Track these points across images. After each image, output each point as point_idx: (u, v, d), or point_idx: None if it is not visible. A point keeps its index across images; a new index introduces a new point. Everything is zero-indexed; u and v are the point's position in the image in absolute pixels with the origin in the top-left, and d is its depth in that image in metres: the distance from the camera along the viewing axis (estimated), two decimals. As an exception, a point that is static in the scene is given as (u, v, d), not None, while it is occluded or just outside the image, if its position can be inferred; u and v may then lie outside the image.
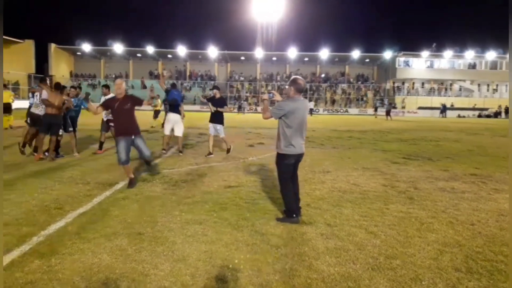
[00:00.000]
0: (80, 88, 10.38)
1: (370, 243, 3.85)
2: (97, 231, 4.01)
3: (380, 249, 3.71)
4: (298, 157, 4.55)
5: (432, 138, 15.72)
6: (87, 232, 3.97)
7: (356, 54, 55.80)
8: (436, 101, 51.01)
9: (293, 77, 4.58)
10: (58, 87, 8.75)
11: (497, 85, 57.30)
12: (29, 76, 49.25)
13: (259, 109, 52.39)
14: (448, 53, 54.09)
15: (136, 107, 6.08)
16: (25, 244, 3.60)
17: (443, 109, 44.63)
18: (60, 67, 56.01)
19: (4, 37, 44.29)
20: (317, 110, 49.05)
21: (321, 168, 8.01)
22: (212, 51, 55.70)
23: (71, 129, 9.30)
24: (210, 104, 9.72)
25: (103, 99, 8.80)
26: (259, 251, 3.59)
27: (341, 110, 52.58)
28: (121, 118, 6.00)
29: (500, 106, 49.37)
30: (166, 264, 3.27)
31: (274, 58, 59.85)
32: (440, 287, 2.99)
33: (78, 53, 58.69)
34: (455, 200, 5.62)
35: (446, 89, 57.04)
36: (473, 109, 50.96)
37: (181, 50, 55.48)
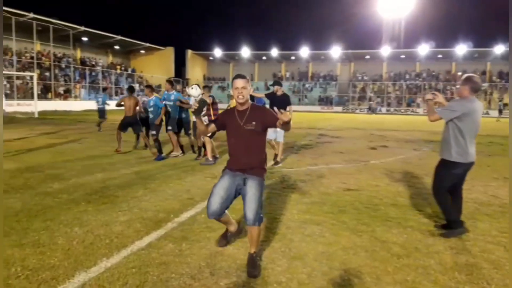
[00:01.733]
0: (150, 87, 9.19)
1: (509, 263, 3.36)
2: (221, 222, 4.31)
3: (524, 272, 3.21)
4: (469, 166, 4.08)
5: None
6: (213, 222, 4.27)
7: (499, 49, 48.92)
8: None
9: (466, 75, 4.13)
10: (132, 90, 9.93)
11: None
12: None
13: (383, 110, 49.97)
14: None
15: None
16: (161, 228, 4.07)
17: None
18: (195, 71, 61.66)
19: (148, 44, 50.98)
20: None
21: (453, 176, 7.25)
22: (335, 51, 54.94)
23: (151, 132, 9.02)
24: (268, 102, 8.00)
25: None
26: (378, 259, 3.43)
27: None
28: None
29: None
30: (283, 260, 3.35)
31: (403, 56, 56.16)
32: None
33: (210, 58, 63.89)
34: None
35: None
36: None
37: (304, 51, 56.04)
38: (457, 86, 4.32)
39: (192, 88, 7.88)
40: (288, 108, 7.82)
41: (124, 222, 4.25)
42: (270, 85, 7.64)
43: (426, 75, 56.57)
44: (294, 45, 64.22)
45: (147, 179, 6.40)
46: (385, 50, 53.32)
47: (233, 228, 3.66)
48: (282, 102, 7.72)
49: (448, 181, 4.12)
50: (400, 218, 4.60)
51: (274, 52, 57.43)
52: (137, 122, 9.53)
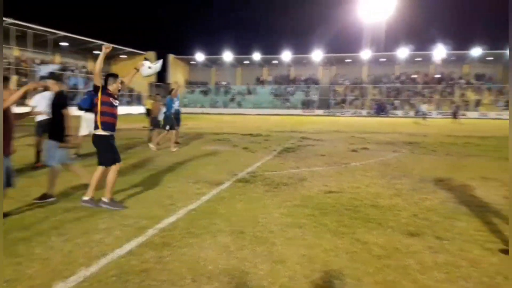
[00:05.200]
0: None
1: (486, 261, 3.44)
2: (204, 227, 4.30)
3: (498, 268, 3.30)
4: None
5: None
6: (195, 227, 4.28)
7: (476, 52, 50.35)
8: None
9: None
10: None
11: None
12: (150, 84, 54.92)
13: (363, 112, 50.66)
14: None
15: None
16: (142, 235, 4.02)
17: None
18: (177, 76, 61.37)
19: (130, 49, 50.43)
20: (429, 113, 45.40)
21: (432, 177, 7.40)
22: (317, 55, 55.54)
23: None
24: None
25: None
26: (359, 260, 3.47)
27: (460, 114, 47.81)
28: None
29: None
30: (265, 264, 3.36)
31: (382, 59, 57.18)
32: None
33: (192, 62, 63.69)
34: None
35: None
36: None
37: (286, 55, 56.46)
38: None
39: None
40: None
41: (104, 229, 4.19)
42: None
43: (405, 78, 57.70)
44: (276, 49, 64.63)
45: (128, 186, 6.32)
46: (366, 54, 54.17)
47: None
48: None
49: None
50: (380, 219, 4.67)
51: (256, 56, 57.70)
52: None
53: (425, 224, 4.51)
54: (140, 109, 36.94)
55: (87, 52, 49.29)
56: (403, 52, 52.90)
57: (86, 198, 5.06)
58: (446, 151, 11.57)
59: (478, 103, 50.30)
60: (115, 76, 5.23)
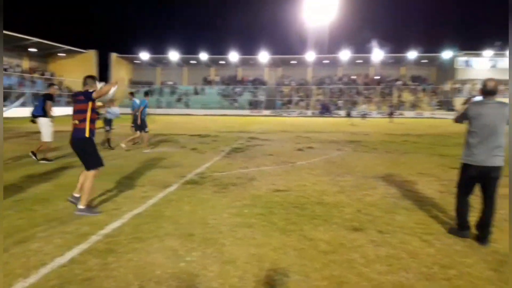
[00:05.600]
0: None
1: (424, 252, 3.68)
2: (150, 231, 4.18)
3: (435, 258, 3.53)
4: (484, 170, 3.91)
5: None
6: (141, 232, 4.15)
7: (412, 54, 53.68)
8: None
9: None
10: None
11: None
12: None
13: (309, 113, 52.04)
14: (514, 51, 50.39)
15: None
16: (85, 242, 3.83)
17: None
18: (120, 75, 59.19)
19: (69, 47, 47.90)
20: (370, 113, 47.69)
21: (373, 173, 7.77)
22: (263, 56, 56.18)
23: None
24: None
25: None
26: (307, 257, 3.55)
27: (396, 113, 50.67)
28: None
29: None
30: (215, 266, 3.34)
31: (326, 61, 59.10)
32: (502, 302, 2.79)
33: (137, 61, 61.73)
34: (522, 209, 5.20)
35: (512, 90, 53.07)
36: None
37: (233, 56, 56.52)
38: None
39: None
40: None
41: (42, 238, 3.93)
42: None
43: (347, 80, 60.12)
44: (223, 49, 64.37)
45: (68, 191, 5.97)
46: (310, 56, 55.67)
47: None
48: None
49: (462, 184, 4.17)
50: (326, 216, 4.82)
51: (203, 56, 57.15)
52: None
53: (368, 219, 4.72)
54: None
55: (22, 50, 45.98)
56: (345, 55, 55.02)
57: (81, 207, 4.82)
58: (385, 149, 12.20)
59: (414, 103, 53.53)
60: (94, 78, 5.13)
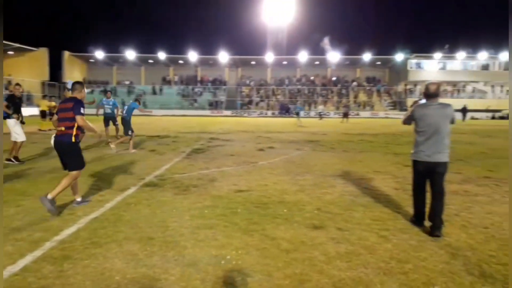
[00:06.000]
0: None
1: (382, 247, 3.81)
2: (108, 236, 4.05)
3: (391, 253, 3.67)
4: (429, 166, 4.28)
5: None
6: (98, 237, 4.01)
7: (367, 56, 55.62)
8: (449, 102, 50.05)
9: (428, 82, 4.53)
10: None
11: (511, 86, 56.54)
12: (43, 84, 50.14)
13: (269, 113, 52.49)
14: (461, 54, 53.55)
15: None
16: (38, 249, 3.65)
17: (464, 111, 39.15)
18: (74, 74, 56.93)
19: (18, 45, 45.42)
20: (327, 113, 48.85)
21: (331, 172, 7.97)
22: (223, 56, 56.01)
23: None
24: None
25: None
26: (269, 256, 3.58)
27: (352, 113, 52.24)
28: None
29: (515, 108, 48.30)
30: (176, 269, 3.28)
31: (285, 62, 59.88)
32: (453, 292, 2.94)
33: (91, 60, 59.58)
34: (468, 203, 5.53)
35: (459, 91, 56.38)
36: (487, 110, 50.13)
37: (192, 55, 55.92)
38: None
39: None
40: None
41: (-11, 247, 3.70)
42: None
43: (305, 80, 61.26)
44: (182, 49, 63.57)
45: (20, 196, 5.67)
46: (269, 57, 56.16)
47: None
48: None
49: (415, 178, 4.54)
50: (287, 215, 4.88)
51: (162, 55, 56.08)
52: None
53: (328, 216, 4.83)
54: (31, 111, 33.31)
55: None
56: (303, 56, 56.01)
57: (78, 199, 5.28)
58: (343, 148, 12.54)
59: (369, 104, 55.43)
60: (82, 84, 5.28)
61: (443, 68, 56.05)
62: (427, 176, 4.39)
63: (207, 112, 51.98)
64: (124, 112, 11.35)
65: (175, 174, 7.63)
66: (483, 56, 53.38)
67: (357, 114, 51.37)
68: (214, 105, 55.49)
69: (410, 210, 5.10)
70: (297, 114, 29.99)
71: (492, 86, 56.15)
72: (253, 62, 60.36)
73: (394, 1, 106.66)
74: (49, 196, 4.72)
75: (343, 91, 58.28)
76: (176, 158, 9.79)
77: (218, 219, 4.66)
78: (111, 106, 13.25)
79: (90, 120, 5.25)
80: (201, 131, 19.86)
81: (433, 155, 4.25)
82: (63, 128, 4.92)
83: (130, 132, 11.16)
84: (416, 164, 4.44)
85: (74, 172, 5.02)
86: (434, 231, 4.17)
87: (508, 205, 5.40)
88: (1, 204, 3.20)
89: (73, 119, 4.88)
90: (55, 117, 5.22)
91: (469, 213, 5.02)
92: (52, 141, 5.16)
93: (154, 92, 57.65)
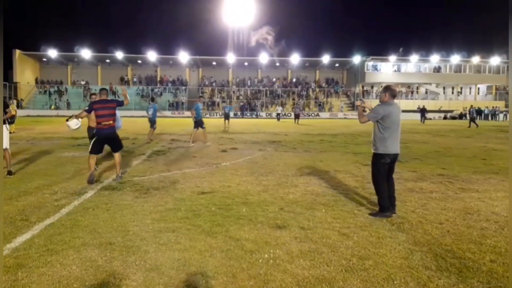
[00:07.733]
0: None
1: (343, 245, 3.90)
2: (65, 242, 3.87)
3: (353, 250, 3.76)
4: (394, 156, 4.94)
5: (400, 140, 16.13)
6: (55, 243, 3.83)
7: (326, 59, 56.93)
8: (404, 104, 51.91)
9: (386, 84, 5.11)
10: None
11: (461, 88, 60.06)
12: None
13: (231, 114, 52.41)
14: (414, 57, 55.99)
15: None
16: (-12, 259, 3.43)
17: (423, 112, 38.82)
18: (25, 74, 54.21)
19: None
20: (288, 115, 49.44)
21: (294, 172, 8.07)
22: (183, 56, 55.27)
23: None
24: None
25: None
26: (233, 257, 3.56)
27: (312, 114, 53.22)
28: None
29: (464, 108, 50.97)
30: (138, 274, 3.19)
31: (246, 63, 60.05)
32: (411, 285, 3.06)
33: (44, 59, 56.92)
34: (424, 200, 5.78)
35: (412, 92, 59.00)
36: (439, 111, 52.83)
37: (151, 55, 54.77)
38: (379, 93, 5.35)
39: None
40: None
41: None
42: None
43: (267, 82, 61.77)
44: (141, 48, 62.08)
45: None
46: (230, 58, 56.08)
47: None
48: None
49: (381, 171, 4.95)
50: (251, 215, 4.88)
51: (119, 54, 54.52)
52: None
53: (290, 216, 4.88)
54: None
55: None
56: (264, 58, 56.41)
57: (120, 174, 7.21)
58: (304, 148, 12.74)
59: (328, 104, 56.71)
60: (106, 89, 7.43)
61: (398, 70, 58.35)
62: (389, 165, 4.97)
63: (168, 113, 51.08)
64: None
65: (135, 177, 7.44)
66: (435, 59, 56.13)
67: (317, 115, 52.43)
68: (175, 105, 54.63)
69: (370, 207, 5.28)
70: (226, 116, 24.17)
71: (444, 88, 59.27)
72: (214, 63, 60.05)
73: (352, 6, 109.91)
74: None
75: (303, 92, 59.24)
76: (136, 161, 9.55)
77: (181, 222, 4.59)
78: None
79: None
80: (162, 133, 19.46)
81: (397, 147, 4.95)
82: (111, 122, 6.81)
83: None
84: (383, 157, 4.89)
85: (118, 152, 7.05)
86: (393, 208, 4.94)
87: (460, 201, 5.70)
88: (1, 204, 2.99)
89: (115, 115, 6.91)
90: (86, 113, 6.92)
91: (424, 209, 5.25)
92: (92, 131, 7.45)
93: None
